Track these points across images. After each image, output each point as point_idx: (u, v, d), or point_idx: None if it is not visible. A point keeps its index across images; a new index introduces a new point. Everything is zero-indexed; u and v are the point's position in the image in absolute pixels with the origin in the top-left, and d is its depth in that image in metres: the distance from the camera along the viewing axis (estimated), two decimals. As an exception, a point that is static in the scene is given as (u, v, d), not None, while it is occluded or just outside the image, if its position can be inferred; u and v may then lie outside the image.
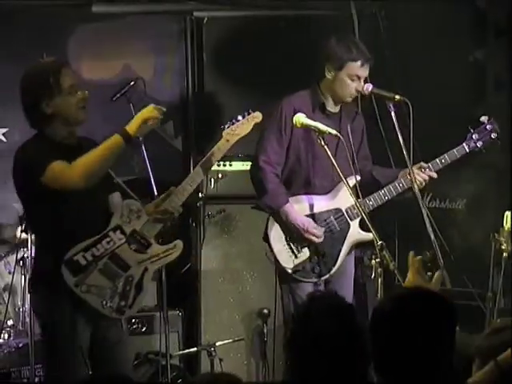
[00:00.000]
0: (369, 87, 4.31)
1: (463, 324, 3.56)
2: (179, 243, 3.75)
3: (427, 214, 4.19)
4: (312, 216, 4.47)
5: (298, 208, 4.44)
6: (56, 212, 3.51)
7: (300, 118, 4.09)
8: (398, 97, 4.20)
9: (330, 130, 4.03)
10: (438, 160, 4.36)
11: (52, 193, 3.46)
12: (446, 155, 4.38)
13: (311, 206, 4.50)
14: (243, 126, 4.00)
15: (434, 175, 4.36)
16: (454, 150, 4.40)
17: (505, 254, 4.60)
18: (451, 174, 4.97)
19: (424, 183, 4.33)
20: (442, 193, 5.19)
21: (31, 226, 4.08)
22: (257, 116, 3.96)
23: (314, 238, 4.33)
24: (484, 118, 4.47)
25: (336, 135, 4.01)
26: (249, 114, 3.98)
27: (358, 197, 4.15)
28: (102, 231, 3.55)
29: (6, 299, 4.69)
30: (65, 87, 3.60)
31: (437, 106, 5.04)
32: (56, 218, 3.50)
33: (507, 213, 4.62)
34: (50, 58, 4.00)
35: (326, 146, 3.99)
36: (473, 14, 5.38)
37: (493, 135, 4.47)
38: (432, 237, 4.17)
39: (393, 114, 4.20)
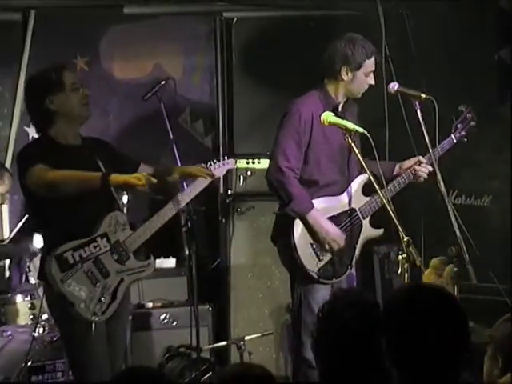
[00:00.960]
0: (395, 86, 4.46)
1: (489, 318, 3.45)
2: (152, 262, 3.98)
3: (453, 211, 4.32)
4: (332, 218, 4.58)
5: (322, 209, 4.55)
6: (51, 212, 3.72)
7: (329, 117, 4.20)
8: (423, 95, 4.32)
9: (357, 127, 4.15)
10: (432, 152, 4.47)
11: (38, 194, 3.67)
12: (438, 147, 4.51)
13: (330, 208, 4.62)
14: (219, 169, 4.34)
15: (430, 168, 4.49)
16: (445, 142, 4.58)
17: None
18: (477, 170, 5.30)
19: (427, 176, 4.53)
20: (467, 189, 5.30)
21: (35, 224, 4.30)
22: (230, 163, 4.41)
23: (338, 246, 4.48)
24: (462, 107, 4.68)
25: (363, 132, 4.11)
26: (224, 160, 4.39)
27: (381, 187, 4.20)
28: (90, 235, 3.74)
29: (40, 294, 4.85)
30: (67, 84, 3.73)
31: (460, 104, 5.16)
32: (51, 217, 3.72)
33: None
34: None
35: (353, 144, 4.11)
36: (497, 14, 5.42)
37: (472, 123, 4.68)
38: (458, 233, 4.24)
39: (418, 111, 4.33)
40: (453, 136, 4.68)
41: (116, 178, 3.72)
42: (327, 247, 4.46)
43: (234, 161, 4.51)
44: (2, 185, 5.24)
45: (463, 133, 4.72)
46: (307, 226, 4.45)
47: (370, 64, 4.51)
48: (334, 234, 4.44)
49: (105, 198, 3.95)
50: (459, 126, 4.73)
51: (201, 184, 4.26)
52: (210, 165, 4.30)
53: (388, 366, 2.48)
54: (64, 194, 3.70)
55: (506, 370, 3.05)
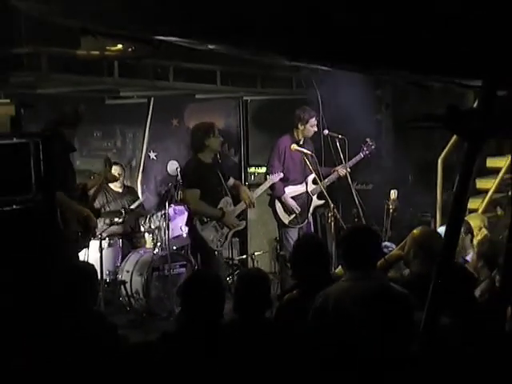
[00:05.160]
0: (326, 131, 7.00)
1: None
2: (241, 223, 6.57)
3: (355, 192, 6.77)
4: (295, 196, 7.02)
5: (289, 193, 6.95)
6: None
7: (294, 147, 6.77)
8: (340, 136, 6.81)
9: (307, 151, 6.73)
10: (349, 162, 6.93)
11: None
12: (353, 159, 7.01)
13: (295, 190, 7.05)
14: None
15: (344, 171, 6.82)
16: (357, 156, 7.06)
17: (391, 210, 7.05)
18: (365, 169, 7.54)
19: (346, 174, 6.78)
20: (361, 180, 7.81)
21: None
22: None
23: (296, 211, 6.93)
24: (368, 139, 7.13)
25: (311, 154, 6.73)
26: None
27: (320, 181, 6.74)
28: None
29: (157, 234, 6.91)
30: (215, 132, 6.01)
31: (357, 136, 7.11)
32: None
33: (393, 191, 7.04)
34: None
35: (306, 160, 6.71)
36: (375, 95, 8.10)
37: (373, 147, 7.13)
38: (357, 202, 6.71)
39: (337, 143, 6.80)
40: (361, 154, 7.12)
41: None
42: (291, 211, 7.01)
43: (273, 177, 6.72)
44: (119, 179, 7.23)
45: (367, 152, 7.14)
46: (281, 201, 7.02)
47: (313, 121, 6.89)
48: (294, 206, 7.00)
49: (220, 192, 6.18)
50: (365, 148, 7.15)
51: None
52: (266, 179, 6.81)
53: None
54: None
55: (426, 262, 3.91)
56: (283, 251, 7.16)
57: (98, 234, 6.50)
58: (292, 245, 4.48)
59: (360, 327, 3.36)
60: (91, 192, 6.08)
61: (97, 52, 4.26)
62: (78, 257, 5.76)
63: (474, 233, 5.45)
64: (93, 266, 4.36)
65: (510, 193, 6.59)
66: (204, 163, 6.26)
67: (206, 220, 6.23)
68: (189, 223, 6.30)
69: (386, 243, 5.55)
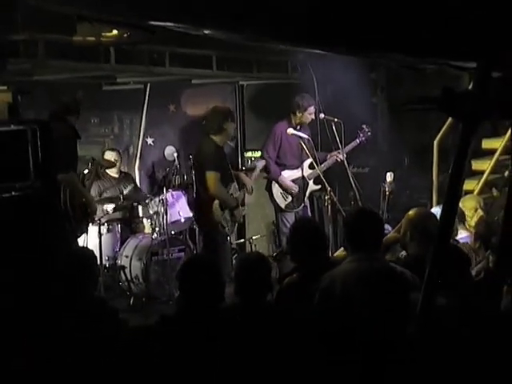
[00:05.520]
0: (322, 115, 7.15)
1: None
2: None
3: (351, 175, 6.94)
4: (293, 181, 7.14)
5: (287, 176, 7.11)
6: None
7: (291, 131, 6.94)
8: (336, 119, 6.93)
9: (304, 135, 6.89)
10: (345, 148, 7.11)
11: None
12: (349, 145, 7.18)
13: (292, 175, 7.17)
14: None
15: (342, 156, 7.00)
16: (353, 142, 7.23)
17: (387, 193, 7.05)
18: (361, 153, 7.65)
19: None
20: (358, 164, 7.82)
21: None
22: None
23: (294, 192, 7.02)
24: (364, 126, 7.31)
25: (307, 138, 6.91)
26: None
27: (317, 165, 6.87)
28: None
29: (155, 219, 6.92)
30: (232, 117, 6.19)
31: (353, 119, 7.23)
32: None
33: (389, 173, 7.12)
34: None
35: (303, 144, 6.91)
36: (369, 78, 8.19)
37: (369, 133, 7.31)
38: (353, 186, 6.89)
39: (333, 127, 6.91)
40: (357, 140, 7.29)
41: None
42: (289, 192, 7.09)
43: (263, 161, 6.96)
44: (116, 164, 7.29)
45: (363, 138, 7.31)
46: (278, 183, 7.10)
47: (311, 109, 7.02)
48: (292, 186, 7.10)
49: (230, 177, 6.34)
50: (361, 134, 7.32)
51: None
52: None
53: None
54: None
55: (421, 243, 3.95)
56: (281, 234, 7.24)
57: (96, 219, 6.59)
58: (289, 229, 4.54)
59: (366, 308, 3.40)
60: (87, 182, 6.26)
61: (93, 38, 4.32)
62: (77, 243, 5.82)
63: (470, 214, 5.48)
64: (92, 251, 4.42)
65: (505, 174, 6.61)
66: (220, 147, 6.34)
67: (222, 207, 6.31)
68: (202, 208, 6.33)
69: (383, 225, 5.56)
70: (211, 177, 6.22)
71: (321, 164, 7.06)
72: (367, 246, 3.65)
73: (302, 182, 7.12)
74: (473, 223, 5.52)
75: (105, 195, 7.20)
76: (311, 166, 7.13)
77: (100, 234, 6.61)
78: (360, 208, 5.79)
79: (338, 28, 2.24)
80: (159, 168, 7.89)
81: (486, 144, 7.39)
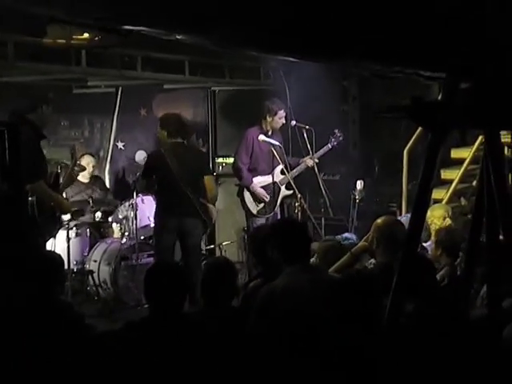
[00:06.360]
0: (293, 122, 7.11)
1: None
2: None
3: (321, 182, 7.01)
4: (264, 187, 7.06)
5: (257, 183, 7.01)
6: None
7: (262, 137, 6.86)
8: (307, 127, 6.98)
9: (275, 142, 6.81)
10: (317, 153, 7.04)
11: None
12: (321, 150, 7.10)
13: (263, 181, 7.13)
14: None
15: (312, 162, 6.94)
16: (325, 147, 7.14)
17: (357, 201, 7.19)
18: (333, 161, 7.62)
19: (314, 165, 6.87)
20: (328, 171, 7.90)
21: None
22: None
23: (265, 199, 7.01)
24: (336, 131, 7.26)
25: (279, 145, 6.81)
26: None
27: (288, 172, 6.83)
28: None
29: (125, 224, 6.95)
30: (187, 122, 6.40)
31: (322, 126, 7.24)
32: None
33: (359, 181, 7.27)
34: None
35: (274, 151, 6.79)
36: (341, 86, 8.41)
37: (340, 138, 7.27)
38: (324, 193, 6.99)
39: (304, 134, 6.92)
40: (329, 144, 7.21)
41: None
42: (261, 200, 7.06)
43: None
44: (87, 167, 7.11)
45: (335, 143, 7.22)
46: (249, 191, 7.06)
47: (281, 113, 6.95)
48: (264, 194, 7.07)
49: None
50: (333, 139, 7.24)
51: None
52: None
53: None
54: None
55: (389, 250, 3.94)
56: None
57: (65, 223, 6.53)
58: (251, 234, 4.55)
59: (310, 319, 3.39)
60: (62, 181, 6.09)
61: (63, 40, 4.24)
62: (45, 247, 5.74)
63: (439, 222, 5.53)
64: (59, 255, 4.36)
65: (473, 183, 6.63)
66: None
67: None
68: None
69: (347, 234, 5.53)
70: (209, 180, 6.55)
71: (292, 170, 7.08)
72: (302, 257, 3.66)
73: (274, 187, 7.08)
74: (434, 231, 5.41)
75: (74, 199, 7.16)
76: (283, 172, 7.10)
77: (68, 238, 6.55)
78: (282, 220, 5.92)
79: (310, 36, 2.24)
80: (129, 172, 7.91)
81: (455, 153, 7.46)
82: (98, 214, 7.21)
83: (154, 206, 6.72)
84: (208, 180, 6.47)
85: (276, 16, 2.15)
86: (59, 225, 6.04)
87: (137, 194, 6.74)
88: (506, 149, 6.37)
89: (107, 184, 7.92)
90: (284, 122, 7.02)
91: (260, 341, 3.34)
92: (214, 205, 6.43)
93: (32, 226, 5.02)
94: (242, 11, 2.10)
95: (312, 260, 4.12)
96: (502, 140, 5.67)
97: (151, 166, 6.31)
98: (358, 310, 3.21)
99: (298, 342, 3.21)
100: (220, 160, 8.26)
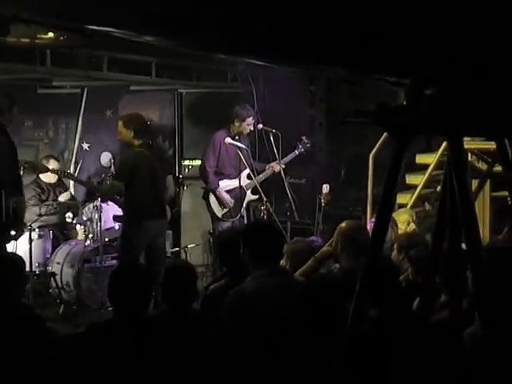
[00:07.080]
0: (260, 126, 7.19)
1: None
2: None
3: (287, 185, 7.04)
4: (230, 191, 7.11)
5: (223, 186, 7.04)
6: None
7: (228, 140, 6.91)
8: (274, 130, 7.04)
9: (242, 145, 6.87)
10: (284, 159, 7.15)
11: None
12: (288, 156, 7.23)
13: (230, 185, 7.16)
14: None
15: (278, 167, 7.02)
16: (292, 154, 7.25)
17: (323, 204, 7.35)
18: (299, 165, 7.83)
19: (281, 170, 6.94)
20: (295, 175, 7.97)
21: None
22: None
23: (229, 204, 7.06)
24: (304, 137, 7.36)
25: (245, 149, 6.86)
26: None
27: (254, 176, 6.93)
28: None
29: (89, 226, 6.93)
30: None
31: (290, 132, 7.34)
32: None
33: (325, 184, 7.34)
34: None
35: (241, 154, 6.85)
36: (308, 90, 8.48)
37: (308, 145, 7.36)
38: (289, 196, 7.02)
39: (271, 138, 7.05)
40: (296, 151, 7.30)
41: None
42: (225, 204, 7.11)
43: None
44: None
45: (302, 150, 7.33)
46: (215, 195, 7.10)
47: (250, 120, 6.99)
48: (228, 199, 7.10)
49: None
50: (300, 146, 7.33)
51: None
52: None
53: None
54: None
55: (353, 254, 3.98)
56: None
57: (27, 224, 6.44)
58: (216, 237, 4.56)
59: (279, 322, 3.39)
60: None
61: (27, 39, 4.17)
62: (5, 248, 5.66)
63: (403, 227, 5.56)
64: (20, 257, 4.30)
65: (437, 188, 6.64)
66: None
67: None
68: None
69: (313, 238, 5.53)
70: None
71: (259, 174, 7.10)
72: (269, 261, 3.66)
73: (240, 191, 7.08)
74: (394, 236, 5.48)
75: (38, 200, 7.10)
76: (249, 177, 7.13)
77: (30, 240, 6.47)
78: (255, 222, 5.98)
79: (278, 40, 2.24)
80: (94, 174, 7.84)
81: (420, 159, 7.51)
82: (70, 215, 7.21)
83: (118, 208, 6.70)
84: (169, 179, 6.52)
85: (246, 19, 2.13)
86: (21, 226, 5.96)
87: (101, 200, 6.70)
88: (483, 156, 6.50)
89: (71, 185, 7.69)
90: (252, 128, 7.04)
91: (232, 341, 3.36)
92: (169, 204, 6.53)
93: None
94: (213, 14, 2.09)
95: (281, 261, 4.09)
96: (484, 146, 5.99)
97: (129, 167, 6.18)
98: (322, 316, 3.20)
99: (266, 344, 3.24)
100: (186, 162, 8.23)
